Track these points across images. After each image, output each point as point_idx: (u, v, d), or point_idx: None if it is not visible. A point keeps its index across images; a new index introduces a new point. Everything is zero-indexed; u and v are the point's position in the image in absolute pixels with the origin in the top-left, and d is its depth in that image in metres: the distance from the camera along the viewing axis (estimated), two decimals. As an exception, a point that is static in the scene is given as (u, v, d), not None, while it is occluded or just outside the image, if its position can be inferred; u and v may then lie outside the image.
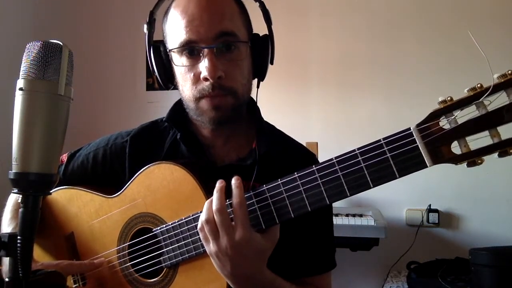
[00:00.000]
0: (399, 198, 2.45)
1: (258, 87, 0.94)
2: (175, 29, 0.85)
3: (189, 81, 0.86)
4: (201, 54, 0.83)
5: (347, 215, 2.12)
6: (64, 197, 1.00)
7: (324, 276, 0.95)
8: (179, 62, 0.87)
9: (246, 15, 0.91)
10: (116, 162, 0.99)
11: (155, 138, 0.99)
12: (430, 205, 2.43)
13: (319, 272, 0.94)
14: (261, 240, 0.73)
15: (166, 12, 0.90)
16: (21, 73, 0.53)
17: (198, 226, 0.75)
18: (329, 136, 2.51)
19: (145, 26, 0.94)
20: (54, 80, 0.53)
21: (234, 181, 0.74)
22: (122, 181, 0.94)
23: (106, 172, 1.00)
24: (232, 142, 0.95)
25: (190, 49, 0.84)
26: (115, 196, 0.93)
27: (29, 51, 0.54)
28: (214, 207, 0.72)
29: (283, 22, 2.67)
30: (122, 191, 0.92)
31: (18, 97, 0.53)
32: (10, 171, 0.52)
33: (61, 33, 2.74)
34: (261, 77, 0.93)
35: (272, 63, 0.94)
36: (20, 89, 0.52)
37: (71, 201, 0.99)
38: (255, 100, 0.96)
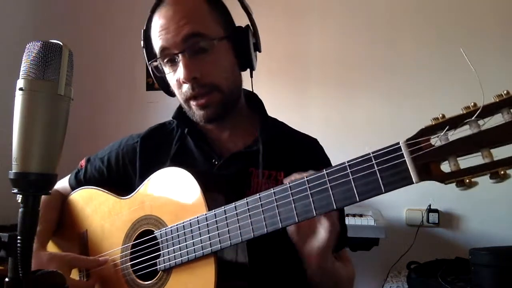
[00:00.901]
0: (399, 198, 2.45)
1: (251, 76, 0.98)
2: (154, 41, 0.92)
3: (175, 87, 0.92)
4: (176, 61, 0.88)
5: (347, 215, 2.11)
6: (84, 196, 1.06)
7: (343, 251, 0.99)
8: (164, 71, 0.93)
9: (219, 11, 0.93)
10: (128, 162, 1.04)
11: (163, 138, 1.04)
12: (430, 205, 2.43)
13: (339, 249, 0.96)
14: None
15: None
16: (21, 73, 0.53)
17: None
18: (329, 136, 2.51)
19: (142, 43, 0.98)
20: (54, 80, 0.53)
21: None
22: (134, 180, 1.00)
23: (120, 173, 1.05)
24: (236, 134, 0.99)
25: (169, 58, 0.89)
26: (128, 197, 0.96)
27: (29, 51, 0.54)
28: None
29: (283, 22, 2.67)
30: (134, 193, 0.95)
31: (18, 97, 0.53)
32: (10, 171, 0.52)
33: (61, 33, 2.74)
34: (251, 66, 0.96)
35: (259, 51, 0.97)
36: (20, 89, 0.52)
37: (89, 201, 1.04)
38: (254, 92, 1.01)
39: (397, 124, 2.42)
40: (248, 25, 0.95)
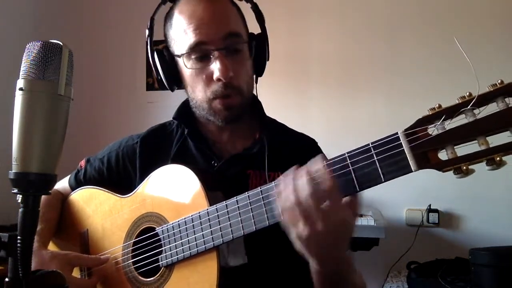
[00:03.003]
0: (399, 198, 2.45)
1: (256, 82, 0.99)
2: (182, 34, 0.89)
3: (201, 83, 0.90)
4: (211, 56, 0.87)
5: (347, 215, 2.11)
6: (84, 196, 1.06)
7: None
8: (189, 66, 0.90)
9: (243, 16, 0.95)
10: (128, 163, 1.04)
11: (164, 139, 1.04)
12: (430, 205, 2.43)
13: None
14: (351, 220, 0.69)
15: (169, 18, 0.93)
16: (21, 73, 0.53)
17: (283, 207, 0.68)
18: (329, 136, 2.51)
19: (147, 31, 0.97)
20: (54, 80, 0.53)
21: (318, 161, 0.68)
22: (135, 181, 1.00)
23: (120, 174, 1.05)
24: (236, 135, 1.00)
25: (200, 53, 0.87)
26: (128, 196, 0.96)
27: (29, 51, 0.54)
28: (308, 191, 0.65)
29: (284, 23, 2.68)
30: (135, 191, 0.95)
31: (18, 97, 0.53)
32: (10, 171, 0.52)
33: (61, 33, 2.74)
34: (260, 73, 0.98)
35: (268, 59, 0.98)
36: (20, 89, 0.52)
37: (90, 200, 1.04)
38: (256, 94, 1.01)
39: (397, 124, 2.38)
40: (261, 33, 0.96)
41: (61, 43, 0.54)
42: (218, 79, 0.86)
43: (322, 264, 0.72)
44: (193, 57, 0.89)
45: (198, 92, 0.92)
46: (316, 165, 0.68)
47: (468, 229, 2.43)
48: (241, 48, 0.90)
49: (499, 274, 1.81)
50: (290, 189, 0.67)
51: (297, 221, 0.67)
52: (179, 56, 0.91)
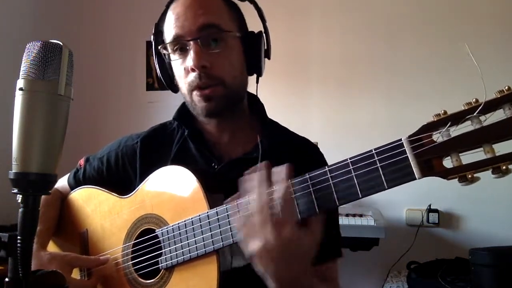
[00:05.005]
0: (399, 198, 2.45)
1: (257, 82, 0.98)
2: (167, 29, 0.91)
3: (182, 75, 0.90)
4: (188, 48, 0.87)
5: (347, 215, 2.12)
6: (83, 195, 1.06)
7: (333, 263, 0.95)
8: (171, 58, 0.92)
9: (236, 13, 0.94)
10: (128, 163, 1.03)
11: (164, 139, 1.03)
12: (430, 205, 2.43)
13: (327, 258, 0.93)
14: (305, 238, 0.70)
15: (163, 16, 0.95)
16: (21, 73, 0.53)
17: (237, 224, 0.72)
18: (329, 137, 2.51)
19: (152, 37, 0.97)
20: (54, 80, 0.53)
21: (281, 169, 0.71)
22: (134, 181, 0.99)
23: (119, 173, 1.04)
24: (237, 137, 0.98)
25: (180, 45, 0.89)
26: (128, 196, 0.96)
27: (29, 51, 0.54)
28: (260, 204, 0.69)
29: (284, 22, 2.67)
30: (134, 192, 0.95)
31: (18, 97, 0.53)
32: (10, 171, 0.52)
33: (61, 33, 2.74)
34: (259, 72, 0.96)
35: (269, 58, 0.97)
36: (20, 89, 0.52)
37: (89, 200, 1.04)
38: (256, 95, 1.00)
39: (398, 124, 2.42)
40: (261, 31, 0.95)
41: (61, 43, 0.54)
42: (192, 69, 0.86)
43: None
44: (175, 51, 0.90)
45: (181, 85, 0.92)
46: (279, 176, 0.71)
47: (468, 229, 2.43)
48: (222, 40, 0.88)
49: (499, 274, 1.81)
50: (245, 204, 0.71)
51: (250, 235, 0.70)
52: (166, 50, 0.92)
